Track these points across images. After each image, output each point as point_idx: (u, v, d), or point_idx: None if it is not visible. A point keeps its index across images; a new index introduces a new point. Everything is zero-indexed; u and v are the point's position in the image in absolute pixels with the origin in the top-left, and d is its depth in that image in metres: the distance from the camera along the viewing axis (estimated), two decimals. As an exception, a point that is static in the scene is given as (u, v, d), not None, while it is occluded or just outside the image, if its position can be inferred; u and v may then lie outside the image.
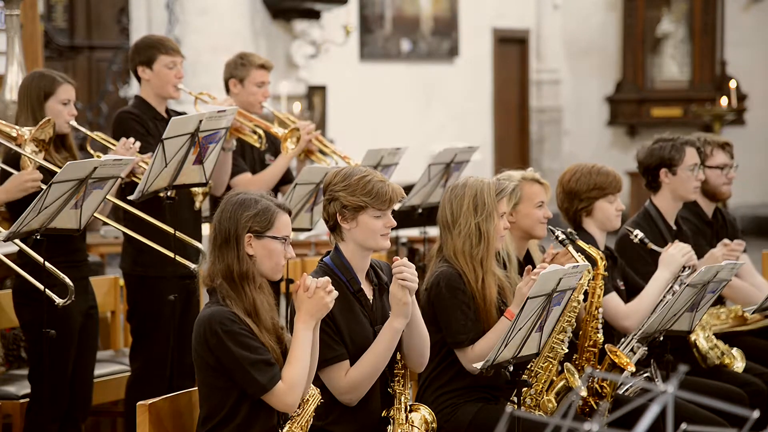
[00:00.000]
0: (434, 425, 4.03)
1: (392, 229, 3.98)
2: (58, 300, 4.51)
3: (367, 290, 3.99)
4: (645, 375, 4.84)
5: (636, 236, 5.15)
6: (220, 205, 3.74)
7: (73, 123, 5.09)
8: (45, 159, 4.78)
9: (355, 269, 3.96)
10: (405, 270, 3.82)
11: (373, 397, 3.91)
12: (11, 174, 4.82)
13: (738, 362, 5.36)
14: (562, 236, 4.66)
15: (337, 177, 3.93)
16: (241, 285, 3.64)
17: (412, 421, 3.96)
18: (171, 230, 5.12)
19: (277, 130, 5.87)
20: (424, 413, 4.01)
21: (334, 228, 3.95)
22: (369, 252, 3.98)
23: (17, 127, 4.78)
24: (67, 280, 4.52)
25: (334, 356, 3.84)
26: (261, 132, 5.78)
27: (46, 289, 4.54)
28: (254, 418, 3.62)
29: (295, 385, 3.57)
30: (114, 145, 5.20)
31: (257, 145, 5.79)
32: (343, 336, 3.86)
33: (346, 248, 3.95)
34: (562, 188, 5.11)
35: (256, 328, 3.62)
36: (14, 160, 4.89)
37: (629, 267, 5.24)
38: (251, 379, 3.55)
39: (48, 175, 4.65)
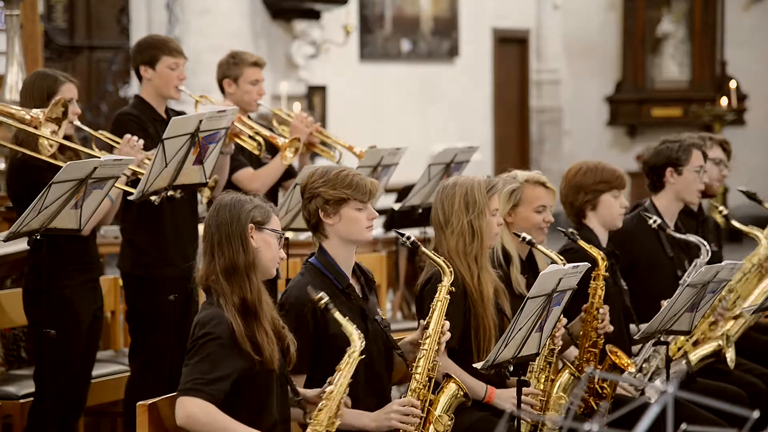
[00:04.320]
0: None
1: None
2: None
3: (355, 287, 4.01)
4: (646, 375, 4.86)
5: (655, 222, 5.19)
6: (213, 206, 3.75)
7: (76, 122, 5.09)
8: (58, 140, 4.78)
9: (341, 266, 3.97)
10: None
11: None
12: (29, 159, 4.78)
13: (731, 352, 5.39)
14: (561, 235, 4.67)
15: (314, 175, 3.98)
16: (246, 274, 3.64)
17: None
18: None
19: (279, 141, 5.84)
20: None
21: (317, 227, 3.97)
22: (353, 247, 4.00)
23: (26, 109, 4.77)
24: None
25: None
26: (261, 139, 5.77)
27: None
28: (253, 420, 3.62)
29: (198, 421, 3.54)
30: (118, 143, 5.20)
31: (256, 152, 5.78)
32: (339, 334, 3.84)
33: (331, 246, 3.98)
34: (567, 183, 5.12)
35: (257, 320, 3.62)
36: (32, 144, 4.85)
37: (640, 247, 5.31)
38: (188, 376, 3.55)
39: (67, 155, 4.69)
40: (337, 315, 3.66)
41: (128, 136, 5.11)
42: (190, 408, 3.53)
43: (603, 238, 5.10)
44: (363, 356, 3.69)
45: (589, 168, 5.10)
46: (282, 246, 3.77)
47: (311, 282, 3.85)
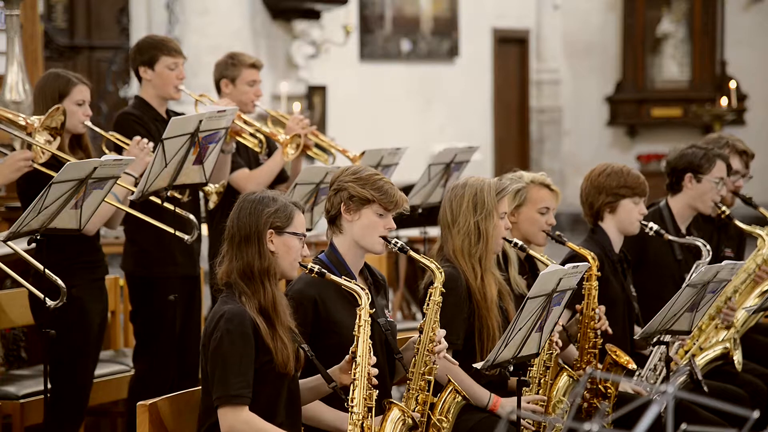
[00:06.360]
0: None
1: (390, 230, 4.01)
2: (50, 302, 4.49)
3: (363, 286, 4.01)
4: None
5: (651, 229, 5.14)
6: (237, 203, 3.77)
7: (88, 123, 5.09)
8: (58, 148, 4.76)
9: (350, 265, 3.99)
10: None
11: None
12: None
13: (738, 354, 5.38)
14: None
15: (347, 171, 4.02)
16: (260, 281, 3.66)
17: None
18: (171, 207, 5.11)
19: (281, 137, 5.85)
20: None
21: (335, 219, 3.99)
22: (363, 251, 4.02)
23: (23, 115, 4.77)
24: (60, 282, 4.50)
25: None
26: (262, 137, 5.77)
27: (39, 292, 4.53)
28: (263, 417, 3.61)
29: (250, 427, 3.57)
30: (128, 144, 5.20)
31: (257, 149, 5.78)
32: (343, 332, 3.85)
33: (342, 243, 3.99)
34: (590, 182, 5.08)
35: (271, 325, 3.63)
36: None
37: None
38: (224, 383, 3.55)
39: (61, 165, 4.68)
40: (333, 277, 3.77)
41: (137, 138, 5.12)
42: (232, 420, 3.55)
43: (617, 242, 5.06)
44: (373, 310, 3.75)
45: (614, 170, 5.05)
46: (304, 244, 3.78)
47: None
